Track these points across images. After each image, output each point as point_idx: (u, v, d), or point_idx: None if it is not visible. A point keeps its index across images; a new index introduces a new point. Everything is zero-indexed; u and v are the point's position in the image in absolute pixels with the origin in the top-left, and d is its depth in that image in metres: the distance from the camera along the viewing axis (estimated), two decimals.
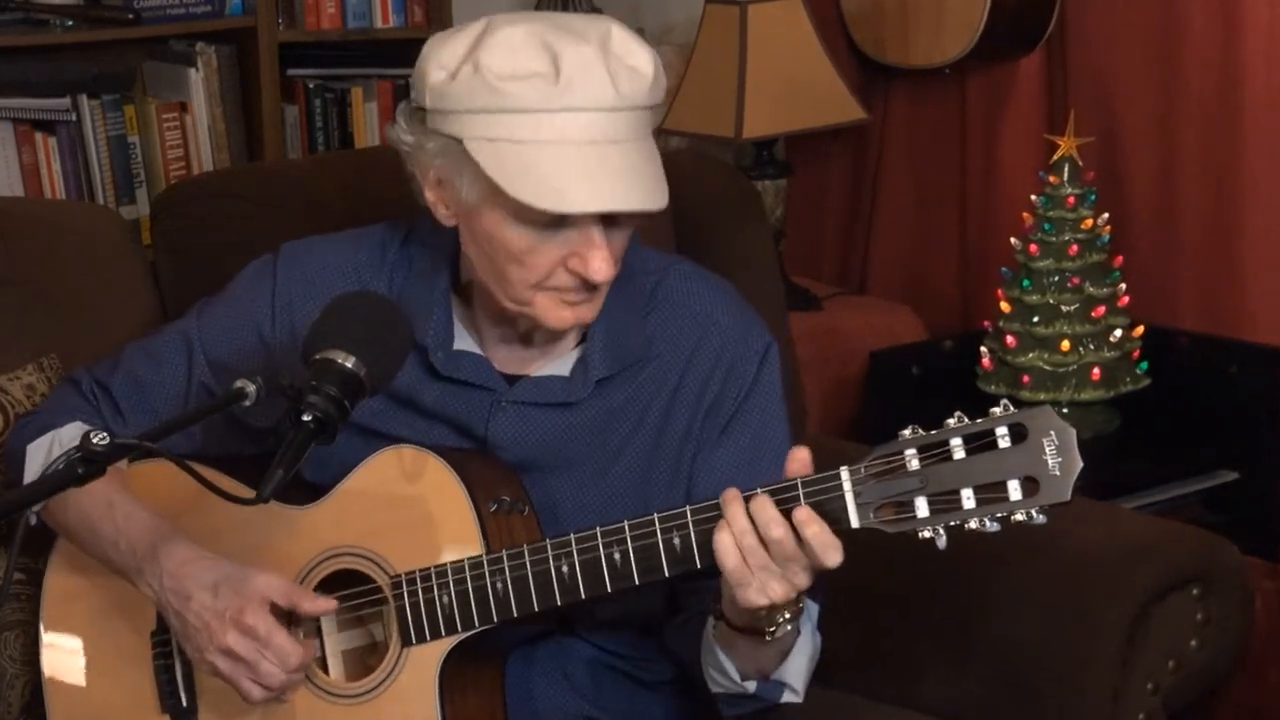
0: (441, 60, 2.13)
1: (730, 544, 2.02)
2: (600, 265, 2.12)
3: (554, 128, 2.07)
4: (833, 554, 2.00)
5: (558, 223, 2.11)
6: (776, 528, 2.00)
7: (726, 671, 2.19)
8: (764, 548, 2.01)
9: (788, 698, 2.23)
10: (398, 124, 2.19)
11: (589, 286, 2.15)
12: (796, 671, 2.21)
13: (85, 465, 1.94)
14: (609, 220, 2.12)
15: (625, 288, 2.26)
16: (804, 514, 2.00)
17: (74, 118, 4.05)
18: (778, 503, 2.02)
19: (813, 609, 2.22)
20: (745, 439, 2.31)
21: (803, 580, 2.03)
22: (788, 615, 2.10)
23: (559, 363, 2.29)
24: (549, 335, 2.27)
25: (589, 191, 2.07)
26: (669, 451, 2.30)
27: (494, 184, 2.09)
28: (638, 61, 2.12)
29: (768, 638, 2.12)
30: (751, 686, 2.20)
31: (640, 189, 2.09)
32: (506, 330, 2.28)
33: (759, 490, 2.04)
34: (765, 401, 2.32)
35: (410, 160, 2.20)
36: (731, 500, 2.04)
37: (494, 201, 2.12)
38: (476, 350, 2.29)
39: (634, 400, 2.29)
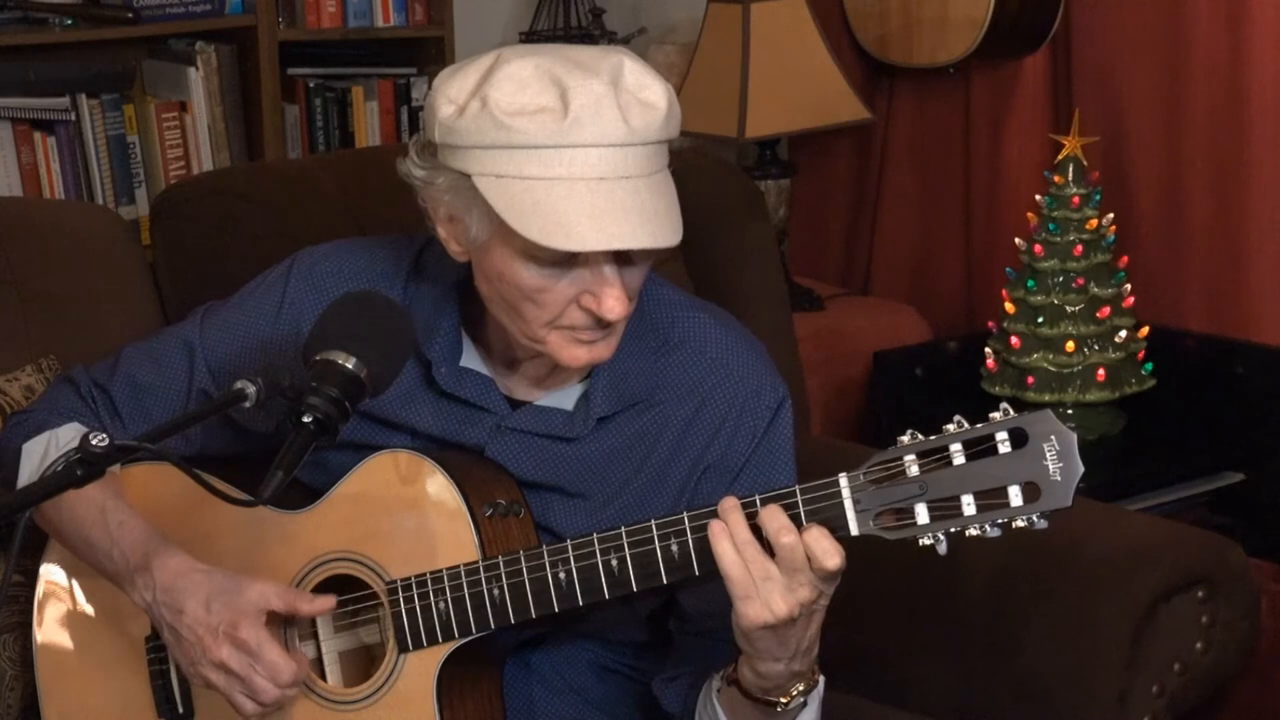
0: (450, 94, 2.08)
1: (732, 553, 2.00)
2: (613, 304, 2.07)
3: (562, 164, 2.02)
4: (832, 558, 1.98)
5: (569, 261, 2.06)
6: (787, 534, 1.98)
7: None
8: (768, 557, 1.99)
9: None
10: (409, 157, 2.15)
11: (603, 324, 2.11)
12: None
13: (84, 467, 1.93)
14: (622, 257, 2.08)
15: (637, 324, 2.22)
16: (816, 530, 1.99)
17: (73, 117, 4.05)
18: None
19: (821, 683, 2.18)
20: (748, 488, 2.22)
21: (805, 594, 2.00)
22: (802, 687, 2.10)
23: (563, 394, 2.26)
24: (561, 372, 2.24)
25: (596, 229, 2.01)
26: (667, 493, 2.27)
27: (502, 221, 2.05)
28: (651, 95, 2.06)
29: (779, 709, 2.11)
30: None
31: (650, 226, 2.04)
32: (513, 355, 2.25)
33: (757, 498, 2.02)
34: (774, 457, 2.28)
35: (421, 194, 2.15)
36: (731, 509, 2.02)
37: (503, 239, 2.08)
38: (483, 370, 2.27)
39: (638, 441, 2.26)
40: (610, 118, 2.02)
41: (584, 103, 2.02)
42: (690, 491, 2.26)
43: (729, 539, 2.01)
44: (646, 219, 2.03)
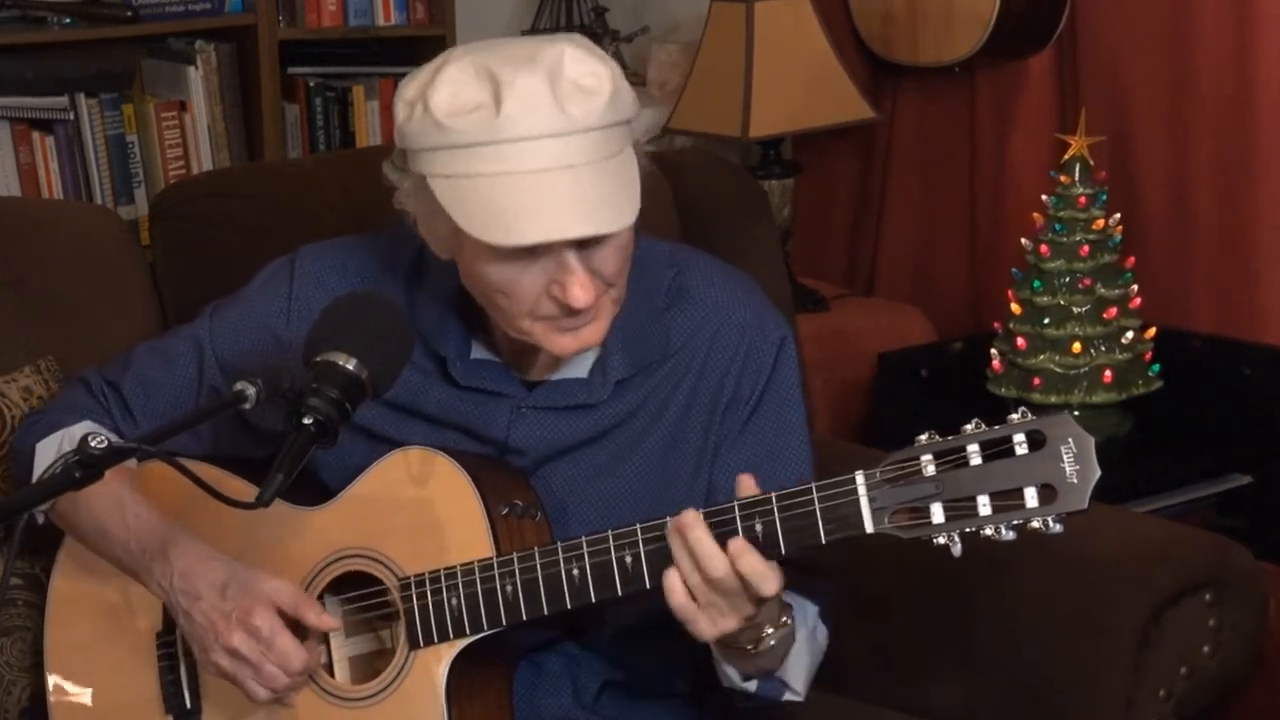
0: (405, 97, 2.12)
1: (678, 583, 2.03)
2: (578, 292, 2.08)
3: (502, 159, 2.04)
4: (768, 584, 2.00)
5: (528, 254, 2.08)
6: (717, 565, 2.00)
7: (728, 674, 2.21)
8: (708, 585, 2.01)
9: (788, 697, 2.24)
10: (389, 162, 2.18)
11: (575, 312, 2.12)
12: (795, 673, 2.22)
13: (82, 469, 1.94)
14: (584, 243, 2.09)
15: (641, 285, 2.25)
16: (738, 545, 2.00)
17: (72, 117, 4.04)
18: (790, 508, 2.01)
19: (809, 611, 2.23)
20: (765, 435, 2.30)
21: (748, 609, 2.03)
22: (770, 630, 2.11)
23: (576, 364, 2.27)
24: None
25: (535, 223, 2.03)
26: (689, 447, 2.29)
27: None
28: (591, 81, 2.07)
29: (750, 650, 2.12)
30: (753, 686, 2.21)
31: (593, 213, 2.05)
32: (521, 344, 2.25)
33: (693, 512, 2.03)
34: (783, 395, 2.31)
35: (396, 198, 2.18)
36: (675, 533, 2.03)
37: (464, 237, 2.10)
38: (493, 358, 2.28)
39: (653, 397, 2.28)
40: (545, 109, 2.04)
41: (517, 97, 2.03)
42: (715, 434, 2.29)
43: (677, 575, 2.03)
44: (590, 207, 2.05)
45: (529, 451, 2.26)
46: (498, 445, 2.27)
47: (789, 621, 2.13)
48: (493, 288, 2.13)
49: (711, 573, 2.00)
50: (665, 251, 2.33)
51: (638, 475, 2.28)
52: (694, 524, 2.01)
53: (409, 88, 2.11)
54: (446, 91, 2.06)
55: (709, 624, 2.03)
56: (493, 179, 2.04)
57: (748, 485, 2.05)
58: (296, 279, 2.34)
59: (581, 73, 2.06)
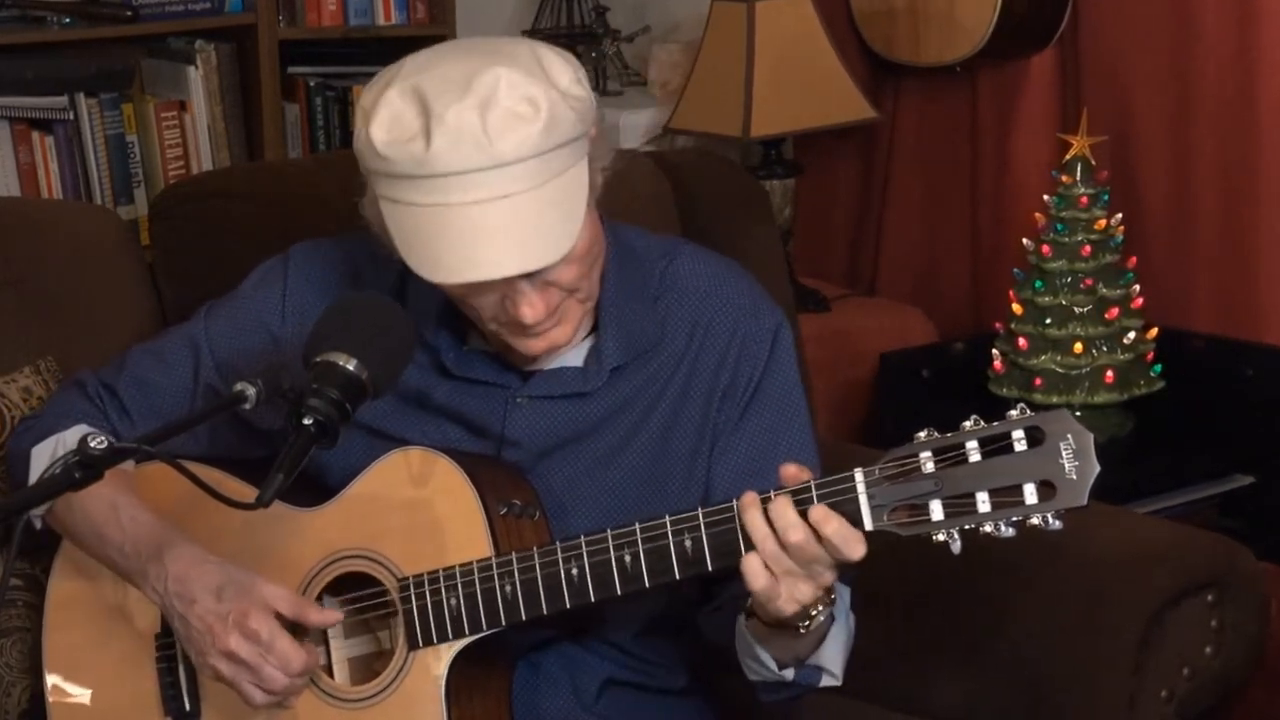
0: (362, 106, 2.12)
1: (758, 565, 2.01)
2: (527, 311, 2.10)
3: (433, 192, 2.05)
4: (856, 546, 1.99)
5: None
6: (795, 532, 1.99)
7: (764, 662, 2.18)
8: (785, 552, 2.00)
9: (826, 682, 2.22)
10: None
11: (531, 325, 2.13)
12: (833, 656, 2.21)
13: (82, 470, 1.93)
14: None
15: (634, 275, 2.26)
16: (819, 512, 1.99)
17: (71, 116, 4.03)
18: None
19: (844, 592, 2.21)
20: (765, 421, 2.29)
21: (828, 578, 2.03)
22: (820, 608, 2.09)
23: (571, 353, 2.27)
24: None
25: (463, 260, 2.05)
26: (685, 438, 2.29)
27: None
28: (525, 109, 2.05)
29: (801, 631, 2.11)
30: (790, 674, 2.19)
31: (525, 247, 2.05)
32: None
33: (772, 493, 2.02)
34: (782, 380, 2.31)
35: (361, 206, 2.19)
36: (749, 506, 2.02)
37: None
38: (488, 348, 2.28)
39: (649, 385, 2.28)
40: (473, 144, 2.03)
41: (447, 131, 2.03)
42: (711, 423, 2.28)
43: (756, 556, 2.01)
44: (525, 240, 2.05)
45: (525, 443, 2.26)
46: (494, 437, 2.27)
47: (834, 598, 2.13)
48: (453, 296, 2.16)
49: (791, 537, 1.98)
50: (658, 243, 2.34)
51: (634, 468, 2.27)
52: (776, 496, 2.01)
53: (366, 96, 2.12)
54: (385, 116, 2.06)
55: (787, 599, 2.02)
56: (428, 209, 2.05)
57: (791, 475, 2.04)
58: (290, 276, 2.35)
59: (516, 99, 2.05)
